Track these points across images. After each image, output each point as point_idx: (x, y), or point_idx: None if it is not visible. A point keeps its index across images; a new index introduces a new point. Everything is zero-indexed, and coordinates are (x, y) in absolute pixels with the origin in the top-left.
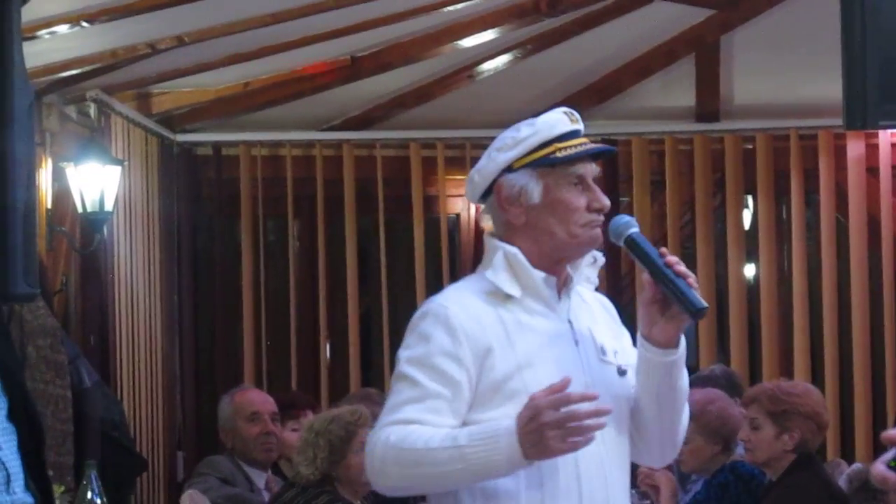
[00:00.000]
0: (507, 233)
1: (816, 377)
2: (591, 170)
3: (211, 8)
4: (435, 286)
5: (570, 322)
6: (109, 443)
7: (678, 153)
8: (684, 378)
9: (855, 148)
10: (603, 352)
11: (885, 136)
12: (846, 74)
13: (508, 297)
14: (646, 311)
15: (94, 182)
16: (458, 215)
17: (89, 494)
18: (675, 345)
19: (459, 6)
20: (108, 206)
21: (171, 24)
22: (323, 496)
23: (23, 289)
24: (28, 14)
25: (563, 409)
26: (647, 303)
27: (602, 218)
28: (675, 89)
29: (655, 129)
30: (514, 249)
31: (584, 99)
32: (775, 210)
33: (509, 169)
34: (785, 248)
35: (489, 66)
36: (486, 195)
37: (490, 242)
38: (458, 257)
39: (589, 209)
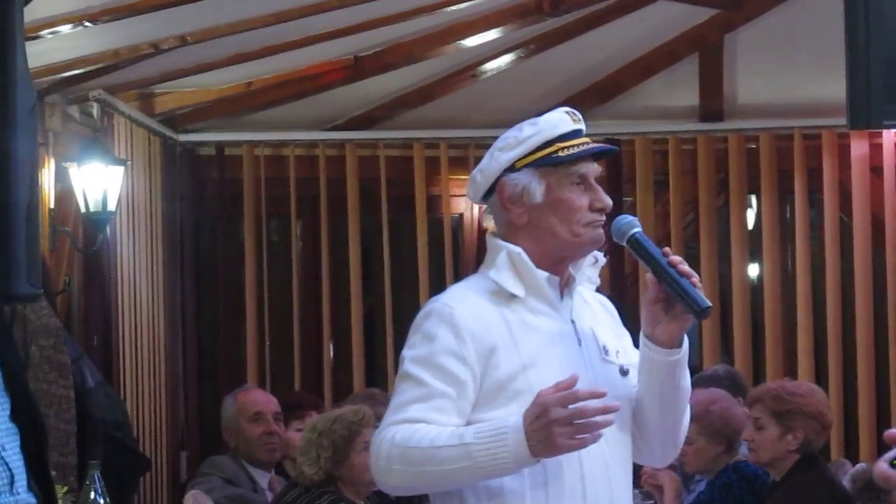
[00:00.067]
0: (509, 232)
1: (820, 377)
2: (594, 169)
3: (214, 8)
4: (438, 286)
5: (572, 322)
6: (112, 443)
7: (681, 153)
8: (686, 378)
9: (859, 147)
10: (605, 352)
11: (888, 136)
12: (850, 74)
13: (512, 296)
14: (649, 310)
15: (97, 182)
16: (461, 215)
17: (92, 495)
18: (678, 344)
19: (462, 6)
20: (111, 206)
21: (173, 24)
22: (326, 496)
23: (26, 289)
24: (31, 14)
25: (571, 406)
26: (651, 302)
27: (604, 218)
28: (678, 89)
29: (659, 129)
30: (517, 249)
31: (587, 98)
32: (779, 210)
33: (511, 168)
34: (788, 248)
35: (492, 65)
36: (488, 195)
37: (492, 242)
38: (461, 257)
39: (591, 209)
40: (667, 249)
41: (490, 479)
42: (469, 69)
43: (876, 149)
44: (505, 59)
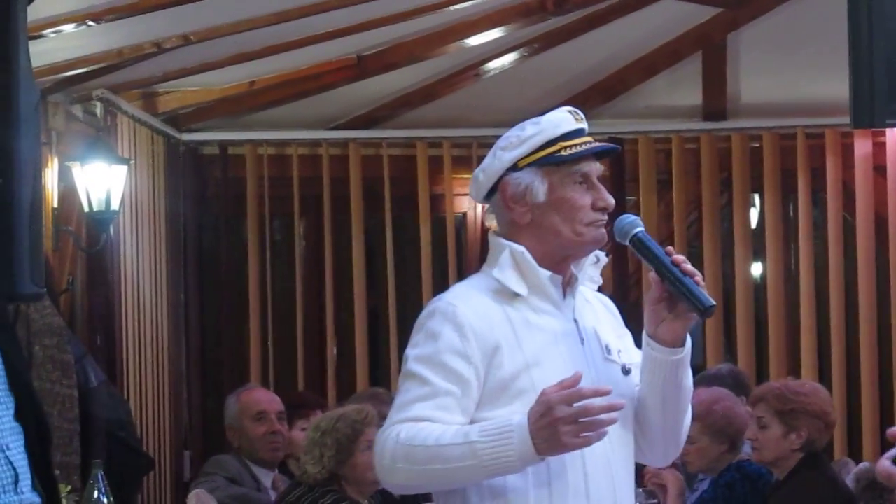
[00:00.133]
0: (511, 231)
1: (823, 376)
2: (596, 168)
3: (217, 7)
4: (442, 285)
5: (575, 321)
6: (116, 442)
7: (685, 152)
8: (689, 377)
9: (862, 146)
10: (608, 351)
11: (892, 135)
12: (853, 73)
13: (515, 295)
14: (652, 309)
15: (100, 181)
16: (464, 214)
17: (96, 494)
18: (681, 343)
19: (465, 5)
20: (115, 206)
21: (176, 23)
22: (329, 495)
23: (29, 288)
24: (34, 13)
25: (576, 405)
26: (654, 301)
27: (606, 217)
28: (681, 88)
29: (662, 128)
30: (520, 248)
31: (590, 97)
32: (782, 209)
33: (514, 167)
34: (792, 247)
35: (495, 64)
36: (491, 194)
37: (495, 241)
38: (464, 256)
39: (594, 208)
40: (670, 248)
41: (495, 477)
42: (472, 68)
43: (879, 148)
44: (508, 59)
